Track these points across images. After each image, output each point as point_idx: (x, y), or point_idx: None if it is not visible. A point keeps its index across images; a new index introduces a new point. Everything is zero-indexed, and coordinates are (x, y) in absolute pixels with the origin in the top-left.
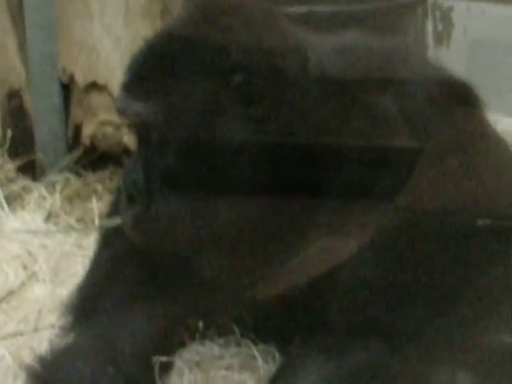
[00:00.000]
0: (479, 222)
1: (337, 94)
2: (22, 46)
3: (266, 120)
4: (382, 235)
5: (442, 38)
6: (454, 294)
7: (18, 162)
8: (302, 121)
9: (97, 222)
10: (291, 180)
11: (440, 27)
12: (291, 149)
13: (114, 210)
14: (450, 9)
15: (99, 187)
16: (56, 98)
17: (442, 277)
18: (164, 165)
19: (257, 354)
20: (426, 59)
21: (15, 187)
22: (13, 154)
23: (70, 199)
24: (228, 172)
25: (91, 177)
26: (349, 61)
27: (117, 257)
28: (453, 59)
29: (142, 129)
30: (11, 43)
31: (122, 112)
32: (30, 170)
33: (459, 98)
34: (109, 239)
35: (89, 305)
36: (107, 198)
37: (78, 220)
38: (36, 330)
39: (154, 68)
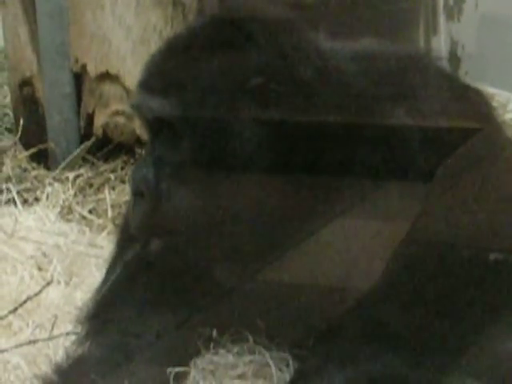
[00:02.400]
0: (492, 256)
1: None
2: (34, 35)
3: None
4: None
5: (453, 12)
6: (467, 306)
7: (31, 152)
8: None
9: (110, 213)
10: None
11: (451, 1)
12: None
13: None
14: None
15: (112, 177)
16: (68, 88)
17: (455, 292)
18: (176, 161)
19: (271, 361)
20: (440, 68)
21: (28, 178)
22: (25, 142)
23: (82, 189)
24: (241, 170)
25: (103, 166)
26: (366, 69)
27: (132, 265)
28: (463, 34)
29: (155, 125)
30: (23, 32)
31: (136, 108)
32: (43, 158)
33: (473, 107)
34: (125, 245)
35: (104, 313)
36: (120, 188)
37: (91, 211)
38: (51, 338)
39: (171, 67)
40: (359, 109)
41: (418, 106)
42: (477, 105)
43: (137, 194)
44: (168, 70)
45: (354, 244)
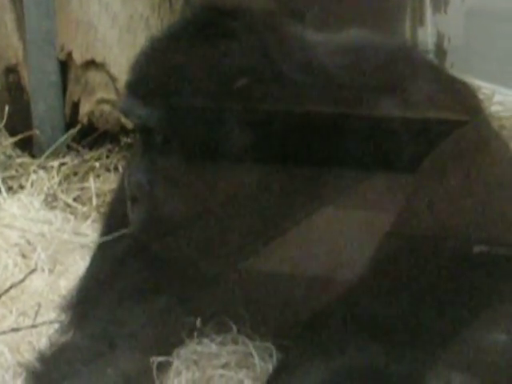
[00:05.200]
0: (476, 249)
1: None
2: (20, 22)
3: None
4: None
5: (440, 4)
6: (449, 298)
7: (16, 139)
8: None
9: (94, 201)
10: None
11: None
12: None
13: (113, 211)
14: None
15: (97, 165)
16: (53, 75)
17: (438, 285)
18: (167, 166)
19: (254, 351)
20: (427, 61)
21: (13, 166)
22: (10, 130)
23: (67, 177)
24: (230, 173)
25: (88, 154)
26: (351, 62)
27: (117, 254)
28: (449, 26)
29: (144, 131)
30: (9, 19)
31: (125, 113)
32: (28, 146)
33: (459, 99)
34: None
35: (88, 302)
36: (104, 176)
37: (76, 199)
38: (34, 326)
39: (156, 70)
40: (344, 101)
41: (404, 98)
42: (463, 97)
43: (132, 199)
44: (154, 75)
45: (338, 235)
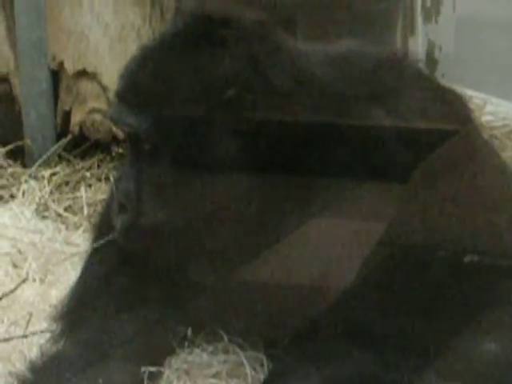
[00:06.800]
0: (467, 258)
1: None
2: (11, 31)
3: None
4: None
5: (431, 14)
6: (440, 308)
7: (7, 148)
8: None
9: (85, 210)
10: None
11: (429, 3)
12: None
13: (103, 221)
14: None
15: (88, 174)
16: (45, 84)
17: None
18: (155, 175)
19: (245, 361)
20: (418, 69)
21: (4, 175)
22: (1, 139)
23: (58, 187)
24: (219, 182)
25: (80, 164)
26: (341, 72)
27: (108, 264)
28: (440, 36)
29: (133, 139)
30: (0, 28)
31: (114, 121)
32: (19, 155)
33: (450, 109)
34: (101, 245)
35: (79, 312)
36: (96, 186)
37: (67, 209)
38: (25, 335)
39: (146, 78)
40: (334, 111)
41: (395, 108)
42: (454, 107)
43: (119, 206)
44: (143, 84)
45: (329, 244)
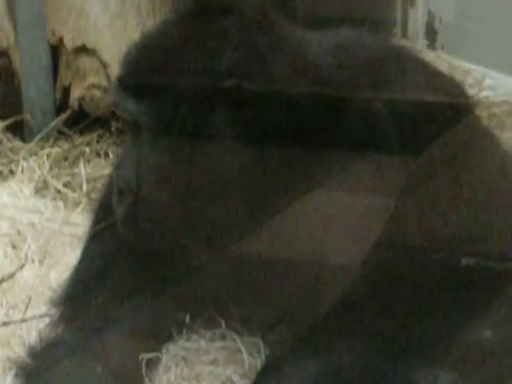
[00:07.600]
0: (464, 261)
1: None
2: (11, 6)
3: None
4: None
5: None
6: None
7: (7, 123)
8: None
9: (84, 187)
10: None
11: None
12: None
13: (103, 205)
14: None
15: (87, 150)
16: (44, 60)
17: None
18: (155, 161)
19: (242, 347)
20: (418, 57)
21: (3, 150)
22: (1, 114)
23: (57, 162)
24: (219, 170)
25: (79, 139)
26: (340, 59)
27: (108, 248)
28: (441, 7)
29: (134, 125)
30: (0, 3)
31: (116, 106)
32: (18, 130)
33: (450, 95)
34: (100, 230)
35: (78, 297)
36: (95, 162)
37: (66, 185)
38: (24, 320)
39: (146, 65)
40: (333, 98)
41: (392, 95)
42: (451, 94)
43: (119, 192)
44: (144, 71)
45: (328, 222)
